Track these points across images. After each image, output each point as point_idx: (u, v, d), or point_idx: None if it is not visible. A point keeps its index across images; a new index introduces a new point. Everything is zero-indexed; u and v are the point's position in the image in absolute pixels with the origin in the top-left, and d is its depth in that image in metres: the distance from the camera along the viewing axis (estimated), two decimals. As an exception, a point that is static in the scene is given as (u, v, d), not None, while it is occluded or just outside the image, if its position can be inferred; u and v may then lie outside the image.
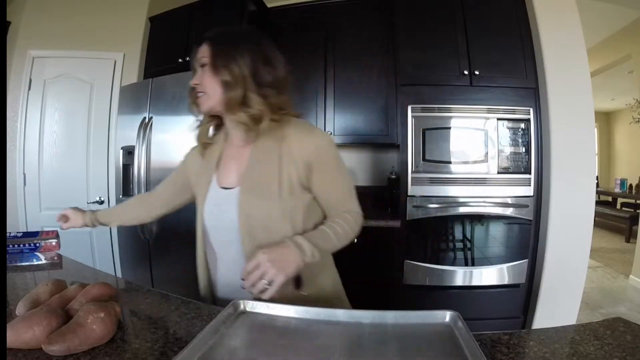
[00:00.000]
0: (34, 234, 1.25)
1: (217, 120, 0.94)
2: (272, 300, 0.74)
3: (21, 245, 1.19)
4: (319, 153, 0.85)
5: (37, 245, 1.21)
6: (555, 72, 1.97)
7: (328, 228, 0.85)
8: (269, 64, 0.85)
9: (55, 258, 1.19)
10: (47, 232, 1.26)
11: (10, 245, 1.18)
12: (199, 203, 0.94)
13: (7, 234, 1.20)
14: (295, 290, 0.85)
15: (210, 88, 0.84)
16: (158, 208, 1.12)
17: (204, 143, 0.96)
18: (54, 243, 1.24)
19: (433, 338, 0.64)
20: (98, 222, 1.14)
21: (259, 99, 0.83)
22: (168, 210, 1.12)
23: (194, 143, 1.00)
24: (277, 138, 0.85)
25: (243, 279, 0.75)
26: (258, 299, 0.75)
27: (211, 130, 0.97)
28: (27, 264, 1.12)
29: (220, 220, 0.89)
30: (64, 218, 1.13)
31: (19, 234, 1.23)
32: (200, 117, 0.94)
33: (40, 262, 1.14)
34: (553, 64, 1.97)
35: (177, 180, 1.08)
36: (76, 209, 1.14)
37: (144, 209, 1.14)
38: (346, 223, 0.88)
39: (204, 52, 0.85)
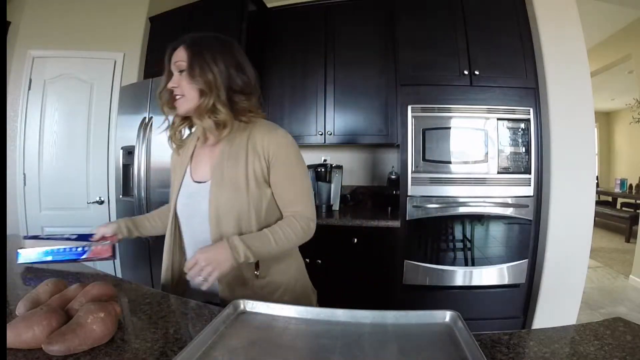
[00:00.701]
0: (86, 237, 1.08)
1: (189, 122, 1.00)
2: (271, 300, 0.74)
3: (67, 250, 1.05)
4: (278, 150, 0.93)
5: (85, 250, 1.05)
6: (555, 72, 1.97)
7: (270, 231, 0.90)
8: (241, 70, 0.94)
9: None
10: (105, 237, 1.08)
11: (58, 248, 1.05)
12: (172, 195, 1.01)
13: (60, 236, 1.09)
14: (254, 272, 0.93)
15: (189, 92, 0.90)
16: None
17: (178, 144, 1.03)
18: (105, 248, 1.06)
19: (433, 338, 0.64)
20: (136, 229, 1.12)
21: (224, 109, 0.90)
22: None
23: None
24: (245, 136, 0.94)
25: (186, 272, 0.84)
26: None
27: (186, 131, 1.03)
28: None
29: (193, 211, 0.95)
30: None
31: (73, 237, 1.08)
32: (170, 118, 1.00)
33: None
34: (553, 64, 1.97)
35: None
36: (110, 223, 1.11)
37: (160, 219, 1.16)
38: (290, 227, 0.92)
39: (181, 57, 0.90)
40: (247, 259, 0.85)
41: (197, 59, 0.89)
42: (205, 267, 0.82)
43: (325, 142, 2.45)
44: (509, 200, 2.00)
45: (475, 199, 2.01)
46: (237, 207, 0.90)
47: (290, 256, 1.02)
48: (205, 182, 0.95)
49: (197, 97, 0.90)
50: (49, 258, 1.03)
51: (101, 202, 2.56)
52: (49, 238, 1.10)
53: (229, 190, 0.91)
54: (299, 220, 0.93)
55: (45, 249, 1.03)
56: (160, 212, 1.17)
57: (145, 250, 2.22)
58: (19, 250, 1.04)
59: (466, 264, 2.05)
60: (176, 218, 1.00)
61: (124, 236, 1.09)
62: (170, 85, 0.92)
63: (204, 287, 0.83)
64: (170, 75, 0.93)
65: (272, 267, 0.96)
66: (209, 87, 0.89)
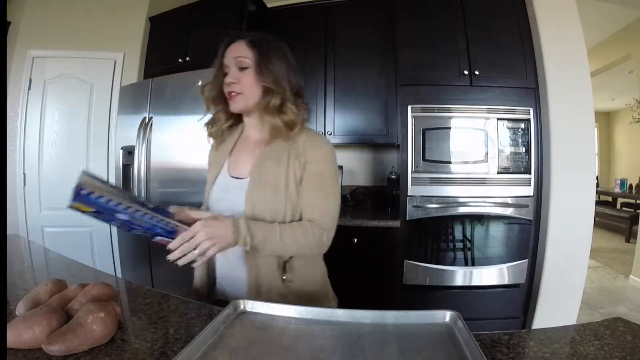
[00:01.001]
0: (164, 212, 0.80)
1: (235, 119, 1.00)
2: (271, 300, 0.74)
3: (152, 218, 0.75)
4: (316, 155, 0.92)
5: (173, 230, 0.78)
6: (555, 72, 1.97)
7: (280, 226, 0.86)
8: (295, 74, 0.95)
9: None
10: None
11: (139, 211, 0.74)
12: (207, 189, 0.99)
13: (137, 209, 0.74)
14: (282, 276, 0.91)
15: (250, 90, 0.90)
16: None
17: (220, 140, 1.02)
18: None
19: (433, 338, 0.64)
20: None
21: (293, 107, 0.91)
22: None
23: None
24: (289, 140, 0.93)
25: (170, 249, 0.76)
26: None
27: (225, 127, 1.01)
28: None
29: (227, 205, 0.92)
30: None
31: (148, 204, 0.78)
32: (210, 113, 0.99)
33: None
34: (553, 64, 1.97)
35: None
36: None
37: None
38: (302, 230, 0.88)
39: (244, 53, 0.90)
40: (245, 244, 0.81)
41: (264, 58, 0.89)
42: (203, 242, 0.76)
43: (325, 142, 2.44)
44: (509, 200, 2.00)
45: (475, 199, 2.01)
46: (273, 207, 0.89)
47: (316, 263, 1.00)
48: (243, 178, 0.94)
49: (259, 95, 0.90)
50: (124, 217, 0.72)
51: (101, 202, 2.56)
52: (115, 187, 0.78)
53: (268, 189, 0.90)
54: (312, 228, 0.88)
55: (119, 200, 0.71)
56: None
57: (145, 250, 2.22)
58: (81, 182, 0.68)
59: (466, 264, 2.05)
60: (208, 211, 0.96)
61: None
62: (229, 80, 0.90)
63: (196, 265, 0.80)
64: (222, 70, 0.93)
65: (300, 273, 0.94)
66: (276, 85, 0.89)
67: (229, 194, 0.94)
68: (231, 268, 0.94)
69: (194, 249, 0.76)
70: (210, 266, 0.97)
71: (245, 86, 0.90)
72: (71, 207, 0.68)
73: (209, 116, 1.02)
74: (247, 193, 0.90)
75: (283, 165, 0.91)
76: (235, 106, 0.92)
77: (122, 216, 0.72)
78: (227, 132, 1.02)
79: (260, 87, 0.90)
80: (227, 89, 0.91)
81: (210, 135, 1.02)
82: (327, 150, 0.94)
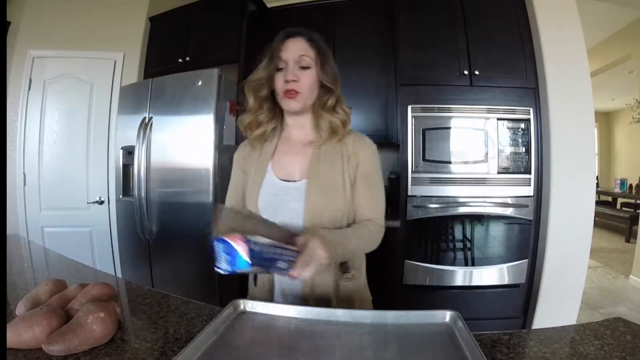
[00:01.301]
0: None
1: (280, 117, 0.96)
2: (271, 300, 0.74)
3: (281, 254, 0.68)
4: (367, 157, 0.94)
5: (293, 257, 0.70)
6: (555, 72, 1.97)
7: (350, 231, 0.87)
8: (338, 72, 0.93)
9: None
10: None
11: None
12: (251, 193, 0.93)
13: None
14: (342, 274, 0.90)
15: (310, 90, 0.89)
16: None
17: (260, 140, 0.96)
18: None
19: (433, 338, 0.64)
20: None
21: (345, 107, 0.92)
22: None
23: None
24: (335, 139, 0.93)
25: (288, 261, 0.69)
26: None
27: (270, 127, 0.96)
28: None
29: (277, 209, 0.89)
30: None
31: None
32: (251, 113, 0.93)
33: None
34: (553, 64, 1.97)
35: (242, 179, 1.01)
36: None
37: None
38: (368, 232, 0.90)
39: (306, 52, 0.87)
40: (337, 259, 0.80)
41: (325, 57, 0.89)
42: (318, 253, 0.71)
43: (325, 142, 2.44)
44: (509, 200, 2.00)
45: (475, 199, 2.01)
46: (332, 210, 0.88)
47: (363, 261, 1.01)
48: (296, 181, 0.91)
49: (314, 96, 0.90)
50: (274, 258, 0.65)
51: (101, 202, 2.56)
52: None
53: (326, 191, 0.88)
54: (374, 227, 0.91)
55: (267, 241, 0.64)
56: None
57: (146, 250, 2.22)
58: (238, 246, 0.59)
59: (466, 264, 2.05)
60: None
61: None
62: (289, 77, 0.86)
63: (306, 276, 0.71)
64: (276, 66, 0.88)
65: (356, 273, 0.94)
66: (334, 84, 0.89)
67: (281, 197, 0.90)
68: None
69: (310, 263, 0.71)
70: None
71: (305, 86, 0.87)
72: (237, 269, 0.59)
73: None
74: (306, 196, 0.87)
75: (338, 167, 0.91)
76: (293, 105, 0.89)
77: (280, 263, 0.66)
78: (271, 133, 0.97)
79: (318, 87, 0.89)
80: (285, 87, 0.87)
81: (253, 138, 0.95)
82: (374, 149, 0.96)
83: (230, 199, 1.00)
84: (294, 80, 0.86)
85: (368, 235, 0.89)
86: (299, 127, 0.95)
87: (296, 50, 0.87)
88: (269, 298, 0.91)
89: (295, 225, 0.86)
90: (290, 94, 0.87)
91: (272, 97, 0.92)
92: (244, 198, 0.97)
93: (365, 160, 0.93)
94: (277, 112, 0.95)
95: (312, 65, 0.87)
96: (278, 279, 0.91)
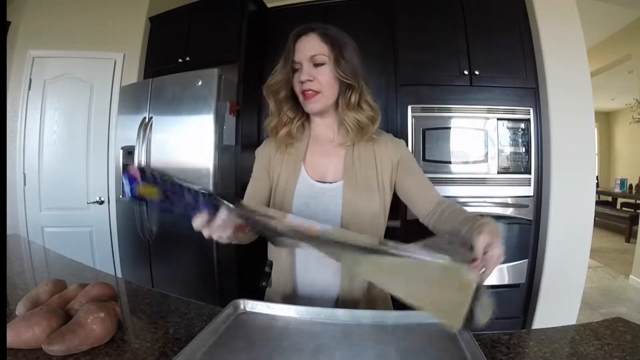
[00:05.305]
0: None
1: (306, 117, 0.93)
2: (270, 300, 0.74)
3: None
4: (404, 154, 0.93)
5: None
6: (555, 72, 1.97)
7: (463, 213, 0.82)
8: (363, 69, 0.89)
9: None
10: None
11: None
12: (285, 195, 0.89)
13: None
14: None
15: (328, 89, 0.84)
16: None
17: (289, 141, 0.92)
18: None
19: (433, 338, 0.64)
20: None
21: (372, 102, 0.89)
22: None
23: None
24: (369, 141, 0.91)
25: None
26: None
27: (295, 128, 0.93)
28: None
29: (313, 212, 0.86)
30: None
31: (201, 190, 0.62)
32: (274, 115, 0.90)
33: None
34: (553, 64, 1.97)
35: (266, 177, 0.96)
36: None
37: None
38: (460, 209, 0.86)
39: (319, 49, 0.83)
40: None
41: (340, 51, 0.83)
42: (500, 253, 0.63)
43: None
44: (509, 200, 2.00)
45: (475, 199, 2.01)
46: (371, 210, 0.87)
47: None
48: (332, 182, 0.88)
49: (336, 94, 0.86)
50: (186, 200, 0.60)
51: (101, 202, 2.56)
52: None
53: (364, 192, 0.86)
54: (450, 203, 0.88)
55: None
56: None
57: (146, 250, 2.22)
58: (132, 171, 0.58)
59: (466, 264, 2.05)
60: None
61: None
62: (304, 77, 0.82)
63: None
64: (291, 65, 0.85)
65: None
66: (356, 80, 0.85)
67: (317, 199, 0.87)
68: (314, 271, 0.87)
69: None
70: (292, 271, 0.89)
71: (322, 84, 0.83)
72: (136, 193, 0.56)
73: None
74: (344, 198, 0.85)
75: (372, 167, 0.89)
76: (314, 106, 0.85)
77: (187, 197, 0.59)
78: (298, 133, 0.93)
79: (338, 84, 0.85)
80: (302, 88, 0.84)
81: (280, 138, 0.91)
82: (404, 144, 0.96)
83: (253, 194, 0.95)
84: (309, 80, 0.83)
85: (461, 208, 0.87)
86: (326, 127, 0.93)
87: (308, 49, 0.83)
88: (288, 300, 0.87)
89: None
90: (308, 94, 0.84)
91: (293, 96, 0.89)
92: (269, 198, 0.93)
93: (405, 155, 0.93)
94: (300, 110, 0.91)
95: (326, 61, 0.83)
96: (300, 280, 0.87)
